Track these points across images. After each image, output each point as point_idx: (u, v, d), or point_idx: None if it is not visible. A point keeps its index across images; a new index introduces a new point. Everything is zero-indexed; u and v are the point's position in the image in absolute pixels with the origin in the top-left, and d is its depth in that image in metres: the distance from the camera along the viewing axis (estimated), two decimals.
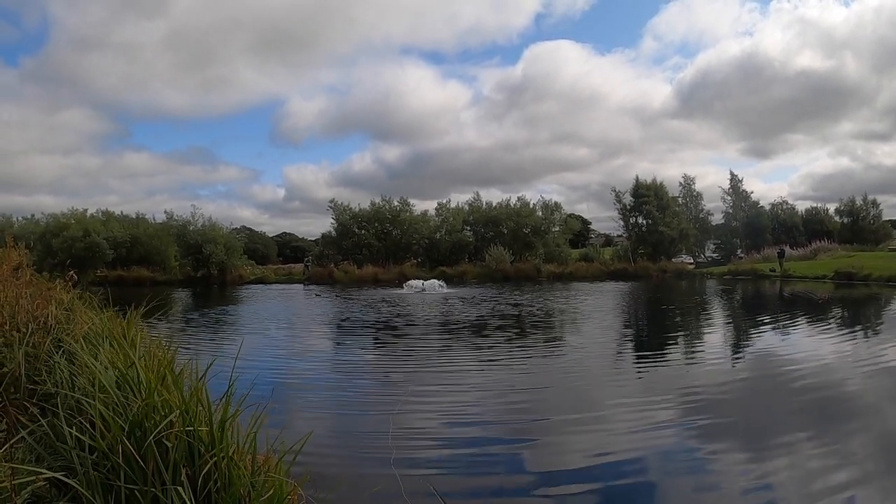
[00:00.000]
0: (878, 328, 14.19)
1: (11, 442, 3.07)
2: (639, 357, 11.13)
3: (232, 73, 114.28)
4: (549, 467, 5.24)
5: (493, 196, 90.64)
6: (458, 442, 5.96)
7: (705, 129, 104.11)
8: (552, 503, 4.54)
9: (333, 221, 48.61)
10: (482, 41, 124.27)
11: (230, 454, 3.14)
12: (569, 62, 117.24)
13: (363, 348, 12.56)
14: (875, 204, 57.82)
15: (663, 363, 10.17)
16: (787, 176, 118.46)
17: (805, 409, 6.93)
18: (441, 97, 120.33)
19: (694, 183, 54.40)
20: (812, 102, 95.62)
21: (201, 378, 3.61)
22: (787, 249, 42.53)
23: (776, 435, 5.90)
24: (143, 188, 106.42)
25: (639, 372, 9.60)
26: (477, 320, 16.36)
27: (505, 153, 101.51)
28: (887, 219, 62.08)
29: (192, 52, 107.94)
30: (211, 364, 4.11)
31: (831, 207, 59.51)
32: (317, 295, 29.52)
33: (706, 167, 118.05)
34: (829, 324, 15.01)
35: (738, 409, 7.06)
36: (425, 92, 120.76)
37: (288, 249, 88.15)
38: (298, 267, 48.09)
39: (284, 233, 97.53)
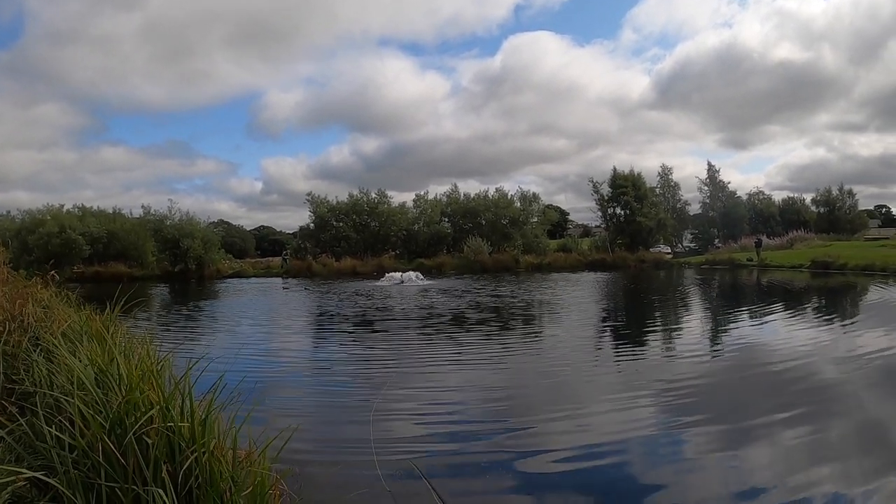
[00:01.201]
0: (855, 316, 14.55)
1: None
2: (619, 348, 11.28)
3: (210, 66, 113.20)
4: (531, 458, 5.29)
5: (471, 187, 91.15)
6: (440, 433, 6.02)
7: (683, 121, 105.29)
8: (534, 498, 4.54)
9: (311, 214, 48.40)
10: (461, 32, 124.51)
11: (211, 449, 3.14)
12: (548, 53, 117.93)
13: (342, 343, 12.51)
14: (851, 194, 59.06)
15: (643, 355, 10.35)
16: (765, 167, 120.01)
17: (785, 394, 7.06)
18: (420, 88, 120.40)
19: (671, 173, 55.05)
20: (790, 94, 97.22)
21: (182, 375, 3.60)
22: (764, 239, 43.18)
23: (759, 422, 6.02)
24: (120, 183, 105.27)
25: (619, 363, 9.71)
26: (457, 312, 16.42)
27: (483, 144, 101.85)
28: (863, 208, 63.44)
29: (169, 45, 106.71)
30: (191, 363, 4.10)
31: (808, 198, 60.64)
32: (285, 288, 29.42)
33: (684, 158, 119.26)
34: (807, 312, 15.34)
35: (721, 399, 7.18)
36: (404, 83, 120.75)
37: (266, 243, 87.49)
38: (276, 260, 47.66)
39: (262, 226, 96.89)
